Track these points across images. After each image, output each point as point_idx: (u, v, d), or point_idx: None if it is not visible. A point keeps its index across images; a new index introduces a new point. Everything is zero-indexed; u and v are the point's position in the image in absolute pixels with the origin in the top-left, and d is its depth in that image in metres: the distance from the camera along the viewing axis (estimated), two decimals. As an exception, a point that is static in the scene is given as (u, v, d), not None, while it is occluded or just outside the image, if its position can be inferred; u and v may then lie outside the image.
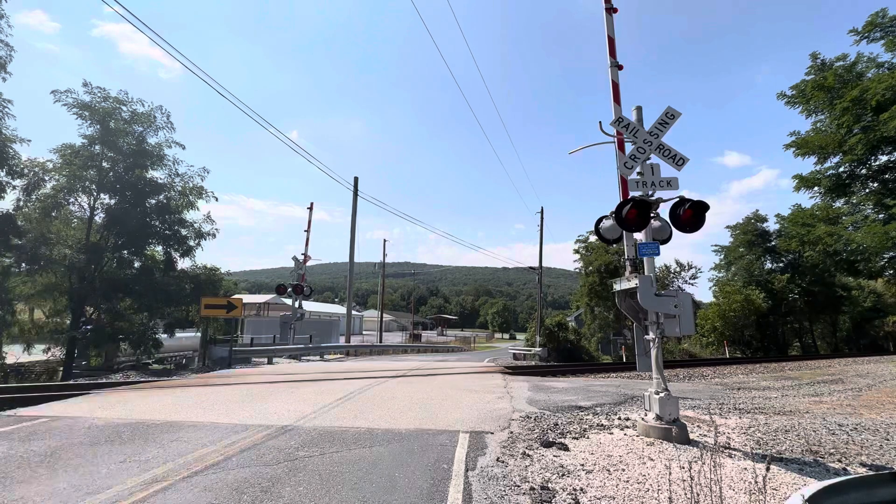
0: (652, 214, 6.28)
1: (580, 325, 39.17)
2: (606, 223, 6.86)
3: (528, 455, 5.09)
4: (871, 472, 4.59)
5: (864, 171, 26.12)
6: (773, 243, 43.60)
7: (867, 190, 26.38)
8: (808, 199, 31.86)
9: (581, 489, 4.10)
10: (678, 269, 36.58)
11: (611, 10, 7.46)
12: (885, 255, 26.06)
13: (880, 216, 25.16)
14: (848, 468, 4.97)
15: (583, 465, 4.82)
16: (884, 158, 24.99)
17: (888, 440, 6.22)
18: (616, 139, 7.30)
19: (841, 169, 26.84)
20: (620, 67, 7.26)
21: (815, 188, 28.78)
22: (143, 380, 11.83)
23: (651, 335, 6.09)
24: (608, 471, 4.62)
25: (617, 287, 6.53)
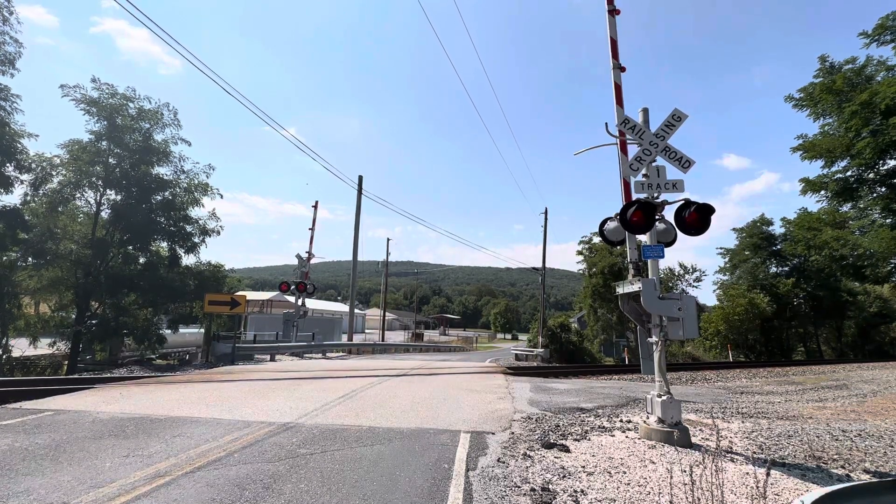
0: (657, 217, 6.25)
1: (583, 326, 39.07)
2: (611, 225, 6.83)
3: (529, 456, 5.09)
4: (874, 479, 4.56)
5: (871, 176, 25.92)
6: (778, 247, 43.34)
7: (875, 194, 26.17)
8: (814, 203, 31.68)
9: (582, 491, 4.09)
10: (682, 272, 36.46)
11: (613, 12, 7.40)
12: (892, 261, 25.88)
13: (888, 221, 24.99)
14: (851, 475, 4.94)
15: (584, 466, 4.81)
16: (892, 163, 24.83)
17: (893, 447, 6.16)
18: (619, 141, 7.25)
19: (848, 173, 26.66)
20: (623, 69, 7.20)
21: (822, 192, 28.61)
22: (146, 375, 11.90)
23: (654, 338, 6.07)
24: (609, 473, 4.61)
25: (620, 290, 6.50)
